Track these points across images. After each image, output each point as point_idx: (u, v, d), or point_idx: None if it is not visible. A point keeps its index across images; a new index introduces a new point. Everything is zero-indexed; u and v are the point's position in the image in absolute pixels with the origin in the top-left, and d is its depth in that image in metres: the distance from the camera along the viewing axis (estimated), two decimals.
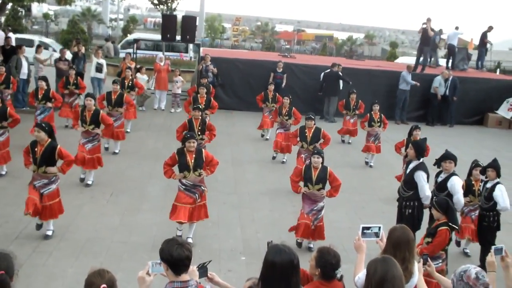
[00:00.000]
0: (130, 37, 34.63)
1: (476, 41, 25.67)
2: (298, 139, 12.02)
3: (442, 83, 20.98)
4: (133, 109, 15.43)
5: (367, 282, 4.14)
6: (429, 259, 5.78)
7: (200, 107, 12.21)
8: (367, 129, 14.46)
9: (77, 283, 6.32)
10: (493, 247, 5.29)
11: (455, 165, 8.57)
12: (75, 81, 15.60)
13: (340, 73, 20.22)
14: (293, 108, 14.44)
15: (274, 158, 14.42)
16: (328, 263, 4.55)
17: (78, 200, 10.38)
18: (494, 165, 8.58)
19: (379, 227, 5.23)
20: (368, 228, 5.19)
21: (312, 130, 11.89)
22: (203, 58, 20.18)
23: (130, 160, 13.22)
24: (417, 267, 5.58)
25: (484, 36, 23.97)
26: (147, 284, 4.09)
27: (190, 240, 8.41)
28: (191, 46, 31.26)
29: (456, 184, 8.33)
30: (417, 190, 8.37)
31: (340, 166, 13.80)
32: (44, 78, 14.08)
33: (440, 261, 6.67)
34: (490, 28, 24.04)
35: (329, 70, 20.21)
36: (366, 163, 14.70)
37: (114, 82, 13.99)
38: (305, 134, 11.90)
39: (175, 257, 3.99)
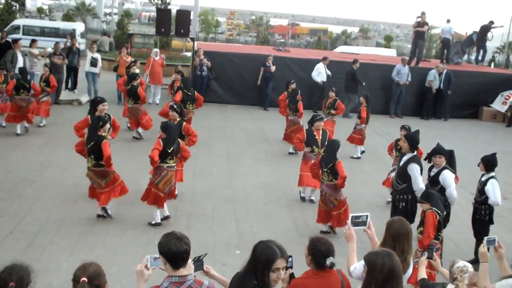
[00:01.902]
0: (15, 22, 34.43)
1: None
2: (305, 144, 11.07)
3: (436, 76, 21.00)
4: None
5: (371, 277, 4.09)
6: (434, 253, 5.93)
7: (175, 107, 10.91)
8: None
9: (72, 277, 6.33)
10: (485, 238, 5.35)
11: (446, 159, 8.58)
12: (46, 78, 15.12)
13: (355, 70, 20.06)
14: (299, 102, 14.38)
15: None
16: (317, 250, 4.56)
17: (72, 194, 10.36)
18: (484, 159, 8.61)
19: (367, 215, 5.27)
20: (358, 217, 5.22)
21: (321, 132, 11.01)
22: (196, 52, 20.20)
23: (124, 154, 13.19)
24: (420, 260, 5.76)
25: (485, 31, 23.54)
26: (145, 278, 4.09)
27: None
28: (80, 30, 31.26)
29: (448, 178, 8.34)
30: (411, 183, 8.40)
31: None
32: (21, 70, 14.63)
33: (433, 250, 6.71)
34: (491, 23, 23.55)
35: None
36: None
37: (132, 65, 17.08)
38: (315, 137, 10.93)
39: (174, 251, 3.97)
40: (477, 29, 24.23)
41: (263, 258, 3.99)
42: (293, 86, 15.42)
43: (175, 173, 9.56)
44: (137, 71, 19.52)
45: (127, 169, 12.02)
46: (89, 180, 9.24)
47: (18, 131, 13.95)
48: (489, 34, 23.61)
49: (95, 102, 10.66)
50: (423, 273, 5.60)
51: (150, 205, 9.13)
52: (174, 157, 9.18)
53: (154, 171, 9.09)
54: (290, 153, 14.33)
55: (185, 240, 4.04)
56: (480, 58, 24.79)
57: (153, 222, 9.18)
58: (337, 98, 15.23)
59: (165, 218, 9.29)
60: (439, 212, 6.74)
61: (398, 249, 4.95)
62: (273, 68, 19.92)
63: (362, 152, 14.91)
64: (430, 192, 7.10)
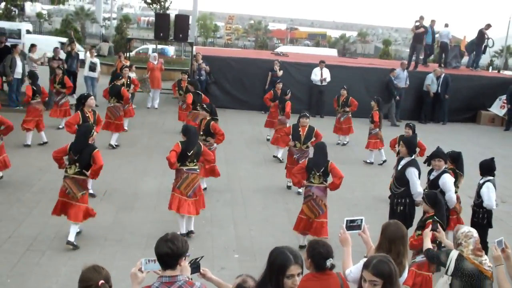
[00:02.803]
0: None
1: (468, 39, 25.49)
2: (291, 137, 11.64)
3: (434, 80, 21.04)
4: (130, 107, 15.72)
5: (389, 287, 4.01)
6: (439, 225, 6.16)
7: (205, 106, 11.54)
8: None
9: (71, 281, 6.35)
10: (495, 241, 5.38)
11: (446, 162, 8.59)
12: (61, 80, 15.32)
13: (391, 79, 20.38)
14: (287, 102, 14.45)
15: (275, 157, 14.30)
16: (317, 251, 4.56)
17: None
18: (480, 163, 8.62)
19: (361, 219, 5.28)
20: (353, 221, 5.24)
21: (306, 129, 11.50)
22: (195, 57, 20.25)
23: (123, 158, 13.22)
24: (424, 232, 6.05)
25: (481, 35, 23.37)
26: (139, 281, 4.15)
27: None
28: (23, 30, 31.12)
29: (448, 182, 8.34)
30: (409, 187, 8.40)
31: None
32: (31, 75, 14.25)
33: (438, 222, 6.69)
34: (488, 26, 23.38)
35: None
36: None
37: (124, 67, 16.10)
38: (299, 133, 11.47)
39: (162, 253, 4.09)
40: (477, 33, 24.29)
41: (277, 264, 4.03)
42: (280, 85, 15.79)
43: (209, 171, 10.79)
44: (133, 75, 19.64)
45: (125, 173, 12.08)
46: (59, 194, 8.63)
47: (28, 142, 13.54)
48: (490, 41, 23.53)
49: (83, 98, 10.85)
50: (428, 244, 5.84)
51: (177, 212, 8.87)
52: (195, 160, 9.03)
53: (175, 174, 9.01)
54: (274, 157, 14.30)
55: (175, 242, 4.11)
56: (472, 62, 24.70)
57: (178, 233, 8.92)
58: (349, 95, 16.01)
59: (188, 233, 9.02)
60: (441, 223, 6.68)
61: (394, 252, 4.98)
62: (280, 73, 20.00)
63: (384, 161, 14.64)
64: (439, 199, 6.85)
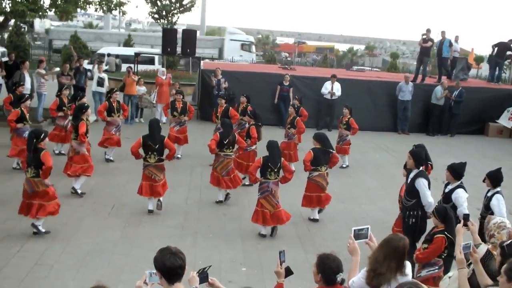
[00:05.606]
0: None
1: (476, 51, 25.46)
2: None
3: (443, 92, 21.00)
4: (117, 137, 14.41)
5: None
6: (470, 219, 6.00)
7: (249, 113, 13.28)
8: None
9: None
10: (462, 244, 5.33)
11: (455, 178, 8.50)
12: (69, 102, 14.10)
13: None
14: (297, 118, 14.30)
15: None
16: (328, 267, 4.57)
17: (79, 213, 10.42)
18: (489, 174, 8.58)
19: (368, 228, 5.36)
20: (360, 230, 5.28)
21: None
22: (214, 72, 19.96)
23: (131, 173, 13.21)
24: (457, 228, 5.89)
25: (504, 48, 23.13)
26: None
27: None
28: None
29: (460, 197, 8.27)
30: (420, 199, 8.30)
31: (339, 176, 13.82)
32: None
33: (436, 268, 6.67)
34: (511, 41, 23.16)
35: None
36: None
37: (114, 91, 14.69)
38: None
39: (168, 266, 4.07)
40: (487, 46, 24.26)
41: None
42: (243, 99, 15.38)
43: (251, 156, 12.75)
44: (143, 88, 19.73)
45: (133, 188, 12.03)
46: (144, 178, 10.48)
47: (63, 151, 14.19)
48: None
49: (83, 108, 11.87)
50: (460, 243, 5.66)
51: (214, 186, 11.49)
52: (231, 147, 11.42)
53: (214, 158, 11.53)
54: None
55: (180, 255, 4.13)
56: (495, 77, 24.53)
57: (217, 200, 11.52)
58: (297, 115, 14.59)
59: (226, 195, 11.64)
60: (450, 237, 6.55)
61: (402, 265, 4.97)
62: (291, 91, 20.04)
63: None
64: (449, 214, 6.77)
